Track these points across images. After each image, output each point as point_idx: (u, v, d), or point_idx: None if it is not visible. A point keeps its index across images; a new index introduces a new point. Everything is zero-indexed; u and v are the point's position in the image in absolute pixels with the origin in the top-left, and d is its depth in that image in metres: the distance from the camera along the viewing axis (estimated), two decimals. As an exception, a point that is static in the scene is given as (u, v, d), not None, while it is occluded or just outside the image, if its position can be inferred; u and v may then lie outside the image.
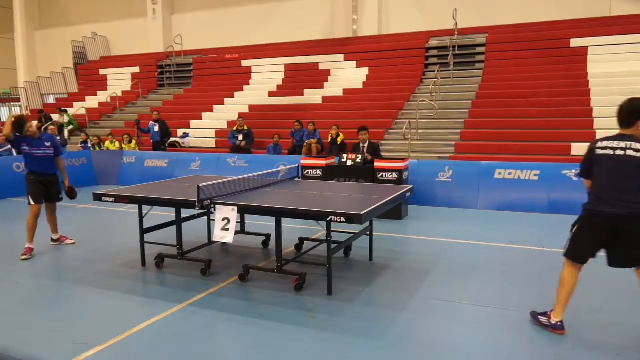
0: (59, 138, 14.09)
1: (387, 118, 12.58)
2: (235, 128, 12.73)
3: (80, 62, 21.62)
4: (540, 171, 8.55)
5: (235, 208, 4.50)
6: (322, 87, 15.18)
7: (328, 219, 4.16)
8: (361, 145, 8.61)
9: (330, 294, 4.52)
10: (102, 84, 19.89)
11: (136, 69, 19.48)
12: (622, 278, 4.18)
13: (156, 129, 13.33)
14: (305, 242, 6.03)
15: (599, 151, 3.50)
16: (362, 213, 4.07)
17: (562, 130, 10.61)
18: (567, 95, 11.54)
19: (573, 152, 9.88)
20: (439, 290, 4.67)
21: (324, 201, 4.94)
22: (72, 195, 6.43)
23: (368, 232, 5.63)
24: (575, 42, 13.08)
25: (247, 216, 6.38)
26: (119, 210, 8.57)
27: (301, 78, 15.99)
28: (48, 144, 6.14)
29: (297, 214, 4.42)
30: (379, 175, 7.96)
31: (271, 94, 15.61)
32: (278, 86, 16.04)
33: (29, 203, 6.03)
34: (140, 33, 20.79)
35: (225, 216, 4.51)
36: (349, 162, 8.33)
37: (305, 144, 11.68)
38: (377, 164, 8.04)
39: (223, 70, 17.91)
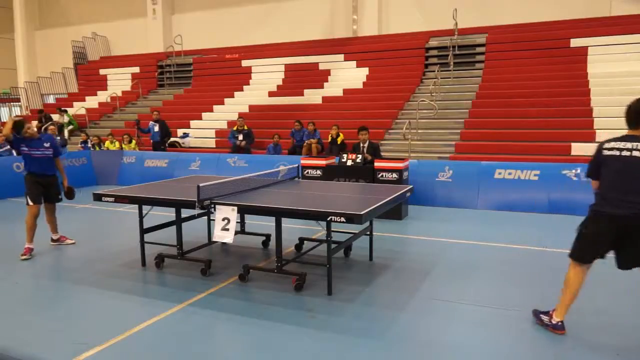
0: (59, 138, 14.13)
1: (387, 118, 12.58)
2: (235, 128, 12.73)
3: (80, 62, 21.62)
4: (540, 171, 8.55)
5: (235, 208, 4.50)
6: (322, 87, 15.18)
7: (328, 219, 4.16)
8: (361, 145, 8.61)
9: (330, 294, 4.52)
10: (102, 84, 19.89)
11: (136, 69, 19.48)
12: (629, 279, 4.16)
13: (156, 129, 13.33)
14: (305, 242, 6.03)
15: (606, 152, 3.50)
16: (362, 213, 4.07)
17: (562, 130, 10.60)
18: (567, 95, 11.55)
19: (573, 152, 9.88)
20: (439, 290, 4.67)
21: (324, 201, 4.94)
22: (70, 196, 6.43)
23: (368, 232, 5.63)
24: (575, 42, 13.07)
25: (247, 216, 6.38)
26: (119, 210, 8.57)
27: (301, 78, 15.99)
28: (47, 145, 6.13)
29: (297, 214, 4.42)
30: (379, 175, 7.96)
31: (271, 94, 15.61)
32: (278, 86, 16.04)
33: (27, 204, 6.03)
34: (140, 33, 20.79)
35: (225, 216, 4.51)
36: (349, 162, 8.33)
37: (305, 144, 11.68)
38: (377, 164, 8.04)
39: (223, 70, 17.91)
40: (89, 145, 13.49)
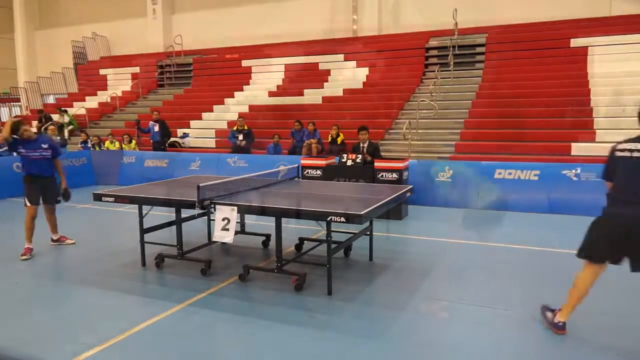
0: (59, 138, 14.14)
1: (387, 118, 12.58)
2: (235, 128, 12.73)
3: (80, 62, 21.62)
4: (540, 171, 8.54)
5: (235, 208, 4.50)
6: (322, 87, 15.17)
7: (328, 219, 4.16)
8: (361, 145, 8.61)
9: (330, 294, 4.52)
10: (102, 84, 19.88)
11: (136, 69, 19.47)
12: (638, 280, 4.14)
13: (156, 129, 13.33)
14: (305, 242, 6.03)
15: (618, 153, 3.52)
16: (362, 213, 4.07)
17: (562, 130, 10.60)
18: (567, 95, 11.54)
19: (573, 152, 9.88)
20: (439, 290, 4.67)
21: (324, 201, 4.94)
22: (66, 197, 6.39)
23: (368, 232, 5.63)
24: (575, 42, 13.07)
25: (247, 216, 6.38)
26: (119, 210, 8.57)
27: (301, 78, 15.99)
28: (45, 146, 6.10)
29: (297, 214, 4.42)
30: (379, 175, 7.96)
31: (271, 94, 15.61)
32: (278, 86, 16.04)
33: (25, 204, 6.03)
34: (140, 33, 20.78)
35: (225, 216, 4.51)
36: (349, 162, 8.33)
37: (305, 144, 11.68)
38: (377, 164, 8.04)
39: (223, 70, 17.91)
40: (89, 145, 13.49)
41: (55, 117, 16.21)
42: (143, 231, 5.49)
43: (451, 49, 14.15)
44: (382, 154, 9.11)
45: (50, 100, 21.53)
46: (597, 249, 3.55)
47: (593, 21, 13.74)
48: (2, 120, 20.65)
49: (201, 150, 13.45)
